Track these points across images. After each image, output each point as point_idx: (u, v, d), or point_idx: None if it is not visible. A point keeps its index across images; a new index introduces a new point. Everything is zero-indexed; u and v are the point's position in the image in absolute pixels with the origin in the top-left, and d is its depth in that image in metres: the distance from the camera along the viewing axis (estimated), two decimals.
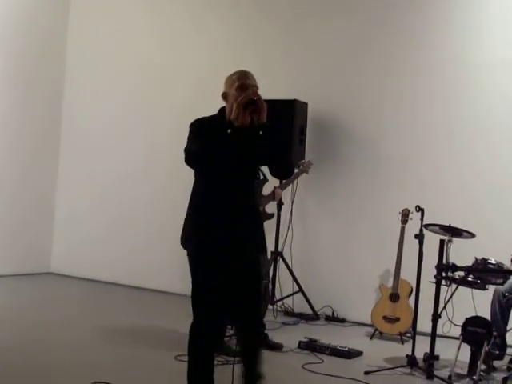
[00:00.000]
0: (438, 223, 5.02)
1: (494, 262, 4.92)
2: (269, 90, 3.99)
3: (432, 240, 5.00)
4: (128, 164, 8.10)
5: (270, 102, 3.45)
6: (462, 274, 4.93)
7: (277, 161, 3.51)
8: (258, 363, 3.58)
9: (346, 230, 6.90)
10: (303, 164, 6.43)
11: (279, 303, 6.76)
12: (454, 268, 4.85)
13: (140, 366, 4.64)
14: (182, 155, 3.42)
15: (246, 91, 3.39)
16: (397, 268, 5.94)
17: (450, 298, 4.96)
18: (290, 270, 6.72)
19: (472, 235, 5.03)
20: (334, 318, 6.69)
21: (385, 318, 5.94)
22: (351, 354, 5.24)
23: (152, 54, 8.02)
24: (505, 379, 4.70)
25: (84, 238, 8.31)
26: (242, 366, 3.57)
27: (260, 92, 3.43)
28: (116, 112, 8.25)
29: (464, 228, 4.98)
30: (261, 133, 3.37)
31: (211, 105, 3.68)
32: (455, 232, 4.96)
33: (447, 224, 4.97)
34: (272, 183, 5.60)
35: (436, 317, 4.81)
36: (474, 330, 4.79)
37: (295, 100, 6.66)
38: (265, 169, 3.70)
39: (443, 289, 4.86)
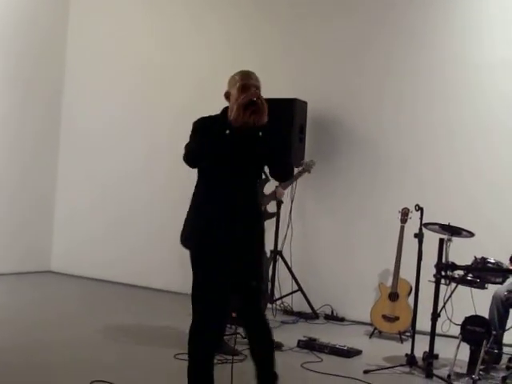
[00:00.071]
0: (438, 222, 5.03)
1: (493, 261, 4.92)
2: (269, 89, 3.98)
3: (431, 239, 5.00)
4: (128, 164, 8.11)
5: (269, 100, 3.44)
6: (461, 273, 4.93)
7: (276, 162, 3.51)
8: (271, 363, 3.52)
9: (345, 229, 6.90)
10: (306, 163, 6.43)
11: (278, 302, 6.76)
12: (454, 267, 4.86)
13: (140, 365, 4.64)
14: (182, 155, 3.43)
15: (247, 92, 3.36)
16: (396, 267, 5.95)
17: (450, 296, 4.95)
18: (290, 269, 6.73)
19: (471, 234, 5.04)
20: (333, 317, 6.69)
21: (384, 316, 5.95)
22: (350, 353, 5.24)
23: (152, 54, 8.02)
24: (504, 378, 4.71)
25: (84, 238, 8.32)
26: (255, 367, 3.52)
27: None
28: (116, 112, 8.25)
29: (464, 228, 4.99)
30: (260, 134, 3.37)
31: (211, 105, 3.68)
32: (454, 231, 4.96)
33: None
34: (274, 182, 5.60)
35: (435, 316, 4.82)
36: (473, 329, 4.80)
37: (295, 99, 6.66)
38: (265, 168, 3.70)
39: (442, 288, 4.86)
